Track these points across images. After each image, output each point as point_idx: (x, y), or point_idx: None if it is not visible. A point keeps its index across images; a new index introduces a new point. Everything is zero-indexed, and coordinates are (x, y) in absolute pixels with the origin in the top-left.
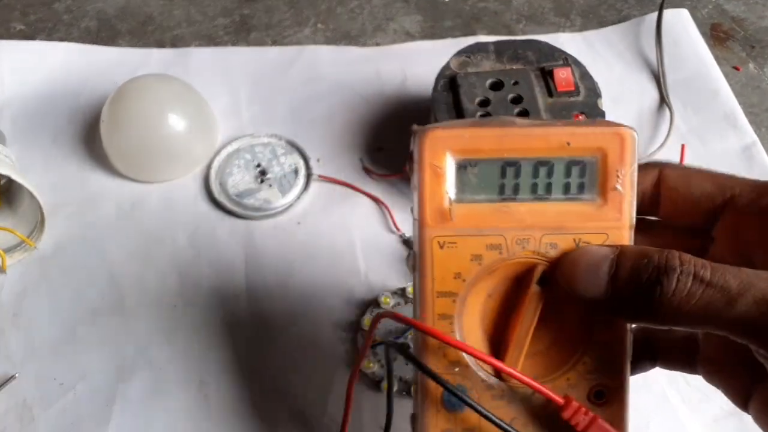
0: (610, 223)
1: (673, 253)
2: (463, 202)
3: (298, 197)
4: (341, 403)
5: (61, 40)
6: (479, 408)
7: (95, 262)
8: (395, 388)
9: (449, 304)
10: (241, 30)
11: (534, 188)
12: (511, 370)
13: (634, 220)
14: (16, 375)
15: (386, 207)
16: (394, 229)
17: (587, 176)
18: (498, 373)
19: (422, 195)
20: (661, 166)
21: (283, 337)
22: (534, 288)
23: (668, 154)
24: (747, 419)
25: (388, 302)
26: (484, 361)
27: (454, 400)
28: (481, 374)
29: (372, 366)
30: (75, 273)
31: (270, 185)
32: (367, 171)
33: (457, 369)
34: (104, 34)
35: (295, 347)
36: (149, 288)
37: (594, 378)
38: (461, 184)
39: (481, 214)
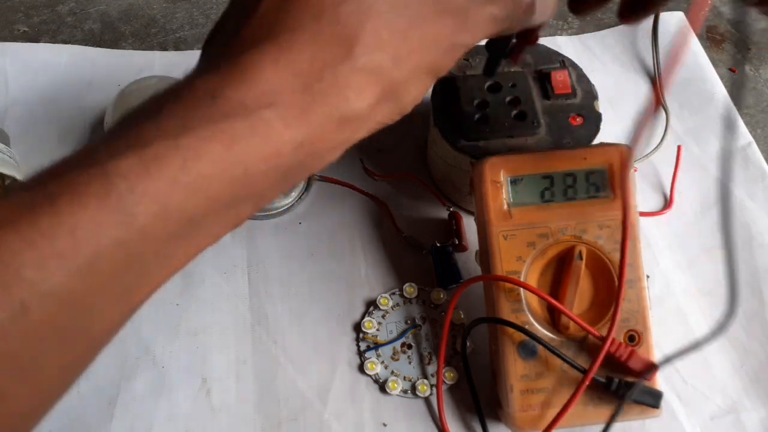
0: (621, 212)
1: None
2: (517, 205)
3: (300, 198)
4: (342, 402)
5: (65, 42)
6: (553, 348)
7: None
8: (399, 388)
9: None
10: None
11: (565, 192)
12: (580, 321)
13: (638, 207)
14: None
15: (386, 207)
16: (394, 230)
17: (601, 181)
18: (556, 329)
19: (487, 203)
20: None
21: (284, 336)
22: (575, 262)
23: (664, 155)
24: (744, 417)
25: (387, 303)
26: (566, 315)
27: (528, 350)
28: (544, 330)
29: (375, 367)
30: None
31: None
32: (367, 171)
33: (527, 326)
34: (107, 36)
35: (295, 346)
36: None
37: (626, 326)
38: (514, 193)
39: (531, 213)
